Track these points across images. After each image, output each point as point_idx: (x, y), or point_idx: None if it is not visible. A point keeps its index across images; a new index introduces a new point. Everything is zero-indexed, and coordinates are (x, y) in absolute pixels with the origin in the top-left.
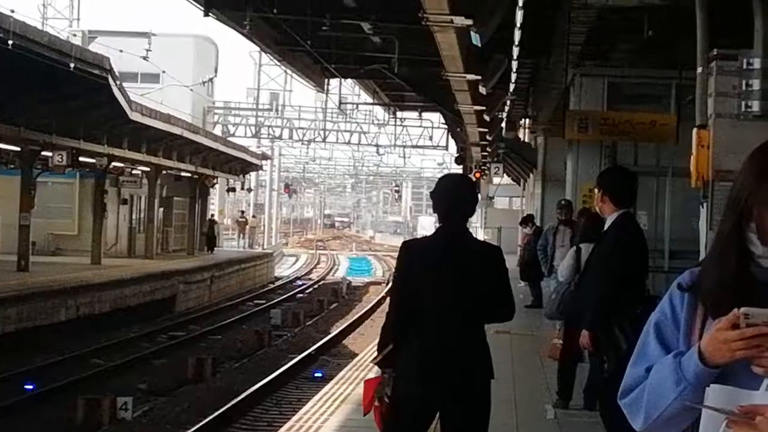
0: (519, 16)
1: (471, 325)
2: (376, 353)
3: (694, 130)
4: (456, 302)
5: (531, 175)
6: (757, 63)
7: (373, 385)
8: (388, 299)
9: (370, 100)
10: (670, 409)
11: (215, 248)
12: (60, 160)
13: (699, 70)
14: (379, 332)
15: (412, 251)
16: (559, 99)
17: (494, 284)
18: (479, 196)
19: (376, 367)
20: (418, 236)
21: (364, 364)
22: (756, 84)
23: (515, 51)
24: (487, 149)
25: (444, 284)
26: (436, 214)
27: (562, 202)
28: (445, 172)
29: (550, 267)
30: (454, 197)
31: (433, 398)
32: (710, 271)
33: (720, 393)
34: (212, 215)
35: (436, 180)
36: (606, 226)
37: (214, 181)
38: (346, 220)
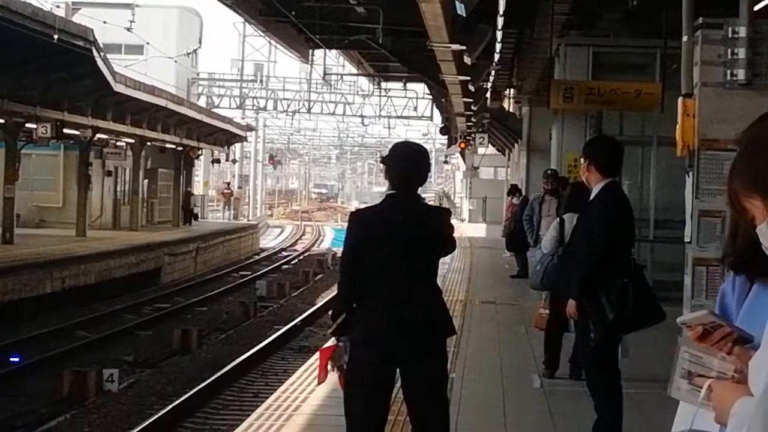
0: None
1: (426, 287)
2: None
3: (680, 99)
4: (412, 269)
5: (516, 145)
6: (742, 31)
7: (327, 353)
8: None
9: (355, 71)
10: None
11: (194, 221)
12: (44, 132)
13: (684, 38)
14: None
15: (364, 221)
16: (544, 69)
17: (443, 238)
18: (464, 165)
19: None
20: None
21: None
22: (741, 52)
23: (500, 21)
24: (472, 119)
25: (400, 252)
26: (387, 181)
27: (548, 171)
28: (430, 143)
29: (536, 237)
30: (409, 165)
31: (390, 362)
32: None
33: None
34: (188, 188)
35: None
36: (592, 196)
37: (199, 152)
38: (324, 191)
